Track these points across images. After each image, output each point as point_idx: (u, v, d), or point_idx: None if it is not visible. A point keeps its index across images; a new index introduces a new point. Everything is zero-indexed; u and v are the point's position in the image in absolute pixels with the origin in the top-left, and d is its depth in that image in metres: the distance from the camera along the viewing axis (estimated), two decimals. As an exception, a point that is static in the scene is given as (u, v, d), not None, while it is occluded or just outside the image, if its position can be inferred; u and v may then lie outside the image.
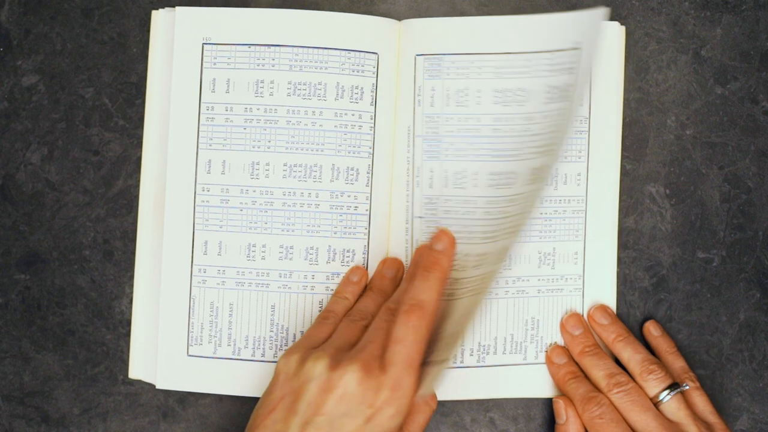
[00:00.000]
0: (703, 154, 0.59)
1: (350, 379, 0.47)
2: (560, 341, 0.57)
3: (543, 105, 0.56)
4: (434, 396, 0.52)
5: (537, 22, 0.56)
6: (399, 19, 0.57)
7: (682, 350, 0.58)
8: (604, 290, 0.57)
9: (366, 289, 0.56)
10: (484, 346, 0.57)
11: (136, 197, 0.57)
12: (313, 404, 0.47)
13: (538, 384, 0.57)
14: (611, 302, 0.58)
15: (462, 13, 0.58)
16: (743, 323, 0.58)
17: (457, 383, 0.57)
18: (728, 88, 0.59)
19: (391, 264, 0.56)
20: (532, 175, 0.55)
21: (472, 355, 0.57)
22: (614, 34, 0.57)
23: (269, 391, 0.50)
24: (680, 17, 0.59)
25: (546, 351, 0.57)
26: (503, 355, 0.57)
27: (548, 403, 0.58)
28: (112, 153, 0.57)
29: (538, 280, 0.57)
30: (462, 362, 0.57)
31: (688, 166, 0.58)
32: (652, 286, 0.58)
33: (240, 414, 0.57)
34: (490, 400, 0.58)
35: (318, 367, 0.48)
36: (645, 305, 0.58)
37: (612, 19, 0.58)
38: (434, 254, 0.52)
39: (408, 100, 0.57)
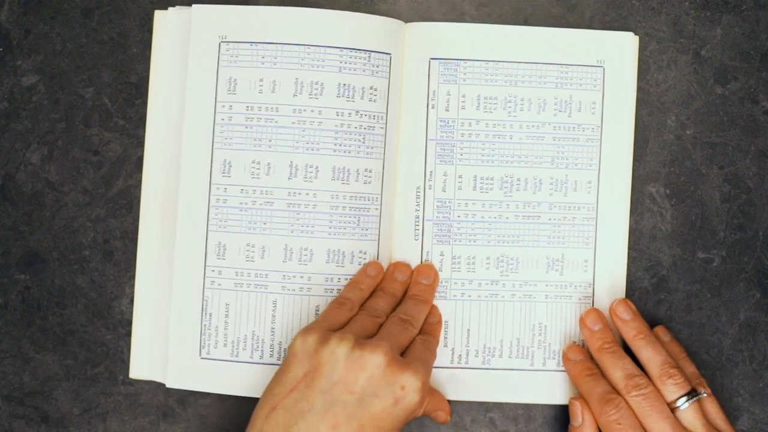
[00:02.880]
0: (703, 154, 0.58)
1: (379, 359, 0.48)
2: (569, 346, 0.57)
3: (553, 116, 0.57)
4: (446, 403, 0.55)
5: (559, 35, 0.57)
6: (399, 18, 0.57)
7: (679, 341, 0.58)
8: (614, 299, 0.57)
9: (377, 288, 0.56)
10: (489, 348, 0.57)
11: (136, 197, 0.57)
12: (341, 382, 0.47)
13: (542, 390, 0.57)
14: None
15: (462, 13, 0.58)
16: (743, 323, 0.58)
17: (460, 384, 0.57)
18: (728, 88, 0.59)
19: (403, 269, 0.56)
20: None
21: (477, 356, 0.57)
22: (627, 45, 0.57)
23: (286, 369, 0.49)
24: (680, 17, 0.59)
25: (563, 349, 0.57)
26: (509, 359, 0.57)
27: (548, 403, 0.58)
28: (112, 153, 0.57)
29: (546, 285, 0.57)
30: (467, 363, 0.57)
31: (688, 166, 0.58)
32: (653, 286, 0.58)
33: (240, 414, 0.57)
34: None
35: (344, 347, 0.48)
36: (645, 305, 0.58)
37: (614, 21, 0.58)
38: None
39: (420, 103, 0.57)
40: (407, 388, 0.48)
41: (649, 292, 0.58)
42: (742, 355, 0.58)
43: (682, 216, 0.58)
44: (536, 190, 0.57)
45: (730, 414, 0.58)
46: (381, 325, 0.52)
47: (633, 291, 0.58)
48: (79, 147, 0.57)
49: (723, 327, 0.58)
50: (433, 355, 0.53)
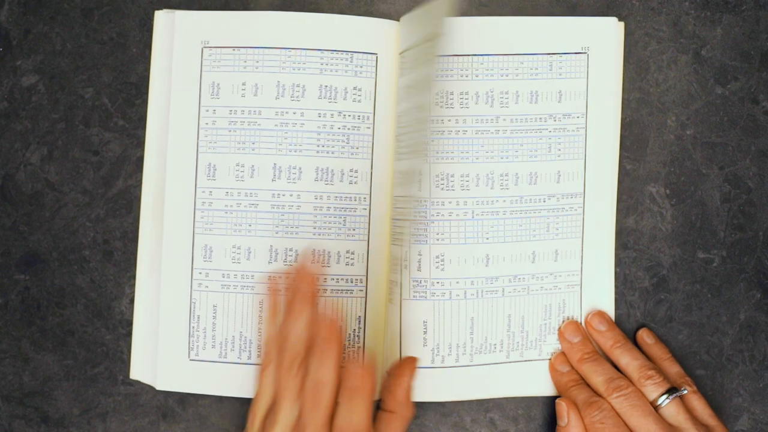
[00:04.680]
0: (703, 154, 0.58)
1: None
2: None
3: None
4: (410, 404, 0.52)
5: (541, 24, 0.57)
6: (399, 19, 0.57)
7: (683, 350, 0.58)
8: (602, 289, 0.57)
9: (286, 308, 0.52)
10: (479, 345, 0.57)
11: (136, 197, 0.57)
12: None
13: (535, 382, 0.57)
14: (609, 301, 0.57)
15: (462, 14, 0.58)
16: (743, 323, 0.58)
17: (452, 383, 0.57)
18: (728, 88, 0.59)
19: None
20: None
21: (464, 354, 0.57)
22: (612, 31, 0.57)
23: None
24: (680, 17, 0.59)
25: (549, 359, 0.57)
26: (499, 353, 0.57)
27: (549, 403, 0.58)
28: (112, 153, 0.57)
29: (532, 277, 0.57)
30: (457, 361, 0.57)
31: (688, 166, 0.58)
32: (653, 287, 0.58)
33: (239, 414, 0.57)
34: (490, 400, 0.58)
35: None
36: (645, 305, 0.58)
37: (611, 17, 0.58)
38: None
39: (391, 100, 0.57)
40: None
41: (649, 292, 0.58)
42: (742, 356, 0.58)
43: (682, 216, 0.58)
44: (520, 183, 0.57)
45: (730, 414, 0.58)
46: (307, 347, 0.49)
47: (633, 291, 0.58)
48: (78, 147, 0.57)
49: (723, 327, 0.58)
50: (368, 410, 0.48)
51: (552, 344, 0.57)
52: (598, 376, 0.54)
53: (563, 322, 0.57)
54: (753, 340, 0.58)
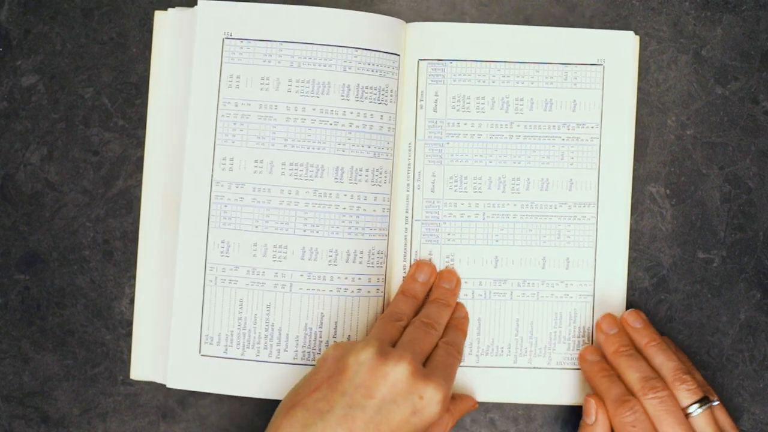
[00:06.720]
0: (703, 154, 0.58)
1: (402, 368, 0.48)
2: (572, 346, 0.57)
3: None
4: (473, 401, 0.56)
5: (557, 35, 0.57)
6: (399, 18, 0.57)
7: (683, 350, 0.58)
8: (614, 298, 0.57)
9: (398, 291, 0.57)
10: (485, 347, 0.57)
11: (137, 197, 0.57)
12: (362, 387, 0.48)
13: (543, 391, 0.57)
14: (621, 310, 0.57)
15: (462, 13, 0.58)
16: (744, 324, 0.58)
17: (456, 382, 0.57)
18: (729, 88, 0.59)
19: (427, 269, 0.57)
20: None
21: (470, 354, 0.57)
22: (628, 45, 0.57)
23: (313, 372, 0.50)
24: (680, 17, 0.59)
25: (579, 350, 0.57)
26: (506, 357, 0.57)
27: (549, 404, 0.58)
28: (112, 153, 0.57)
29: (542, 283, 0.57)
30: (463, 360, 0.57)
31: (688, 166, 0.58)
32: (653, 287, 0.58)
33: (239, 414, 0.57)
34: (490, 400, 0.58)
35: (367, 353, 0.49)
36: (645, 305, 0.58)
37: (614, 21, 0.58)
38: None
39: (410, 104, 0.57)
40: (426, 398, 0.48)
41: (649, 292, 0.58)
42: (743, 356, 0.58)
43: (683, 216, 0.58)
44: (531, 188, 0.57)
45: (731, 414, 0.58)
46: (404, 328, 0.53)
47: (633, 291, 0.58)
48: (78, 147, 0.57)
49: (723, 327, 0.58)
50: (457, 360, 0.53)
51: (562, 353, 0.57)
52: (634, 372, 0.53)
53: (575, 332, 0.57)
54: (753, 340, 0.58)
